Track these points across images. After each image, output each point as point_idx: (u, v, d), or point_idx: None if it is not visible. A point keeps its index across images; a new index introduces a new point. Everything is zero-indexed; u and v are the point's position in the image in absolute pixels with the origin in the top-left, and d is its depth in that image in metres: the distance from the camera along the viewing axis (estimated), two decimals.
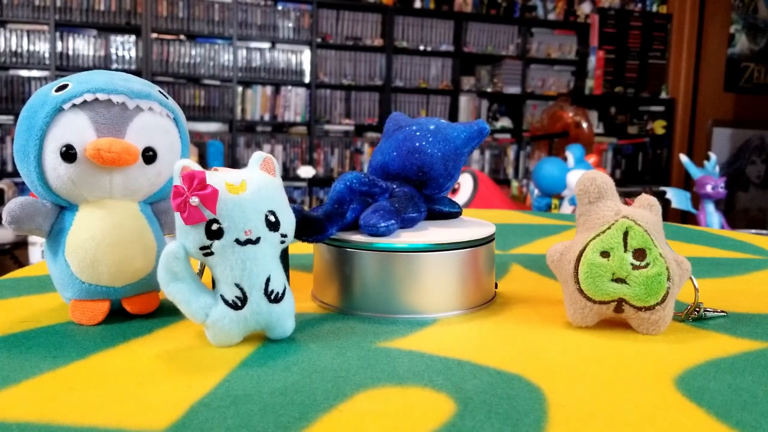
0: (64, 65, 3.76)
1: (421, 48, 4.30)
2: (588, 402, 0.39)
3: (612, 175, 4.62)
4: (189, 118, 3.91)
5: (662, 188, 2.19)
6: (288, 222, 0.49)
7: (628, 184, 4.70)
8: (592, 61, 4.63)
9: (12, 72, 3.78)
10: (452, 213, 0.67)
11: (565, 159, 2.48)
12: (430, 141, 0.62)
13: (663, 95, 4.82)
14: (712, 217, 2.04)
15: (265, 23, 4.05)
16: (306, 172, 3.78)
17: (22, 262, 2.89)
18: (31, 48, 3.74)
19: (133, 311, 0.55)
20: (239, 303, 0.47)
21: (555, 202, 2.48)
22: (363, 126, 4.30)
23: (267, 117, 4.12)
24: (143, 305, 0.55)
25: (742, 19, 4.30)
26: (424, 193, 0.64)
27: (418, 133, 0.63)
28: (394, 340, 0.50)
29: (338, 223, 0.58)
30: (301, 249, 0.86)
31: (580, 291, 0.52)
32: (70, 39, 3.79)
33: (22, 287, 0.65)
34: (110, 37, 3.85)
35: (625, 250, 0.51)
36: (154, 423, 0.36)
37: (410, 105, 4.37)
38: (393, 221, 0.56)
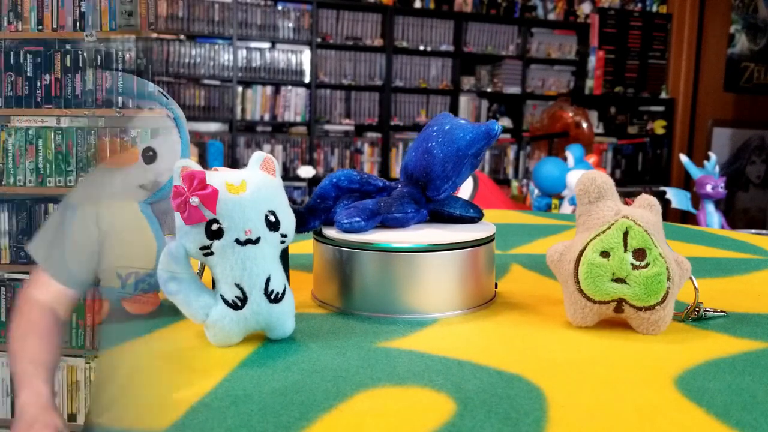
0: None
1: (421, 48, 4.29)
2: (588, 402, 0.39)
3: (612, 175, 4.60)
4: (189, 118, 3.89)
5: (662, 188, 2.19)
6: (288, 222, 0.49)
7: (628, 184, 4.69)
8: (592, 61, 4.63)
9: None
10: (465, 217, 0.63)
11: (565, 159, 2.48)
12: (439, 141, 0.60)
13: (663, 95, 4.82)
14: (712, 217, 2.04)
15: (265, 23, 4.05)
16: (306, 172, 3.77)
17: None
18: None
19: (133, 311, 0.55)
20: (239, 303, 0.47)
21: (555, 202, 2.48)
22: (363, 126, 4.29)
23: (267, 117, 4.12)
24: (143, 305, 0.55)
25: (742, 19, 4.30)
26: (427, 195, 0.62)
27: (434, 134, 0.61)
28: (394, 340, 0.50)
29: (321, 218, 0.60)
30: (301, 249, 0.86)
31: (580, 291, 0.52)
32: None
33: None
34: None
35: (625, 250, 0.51)
36: (154, 423, 0.36)
37: (410, 105, 4.37)
38: (358, 219, 0.56)
